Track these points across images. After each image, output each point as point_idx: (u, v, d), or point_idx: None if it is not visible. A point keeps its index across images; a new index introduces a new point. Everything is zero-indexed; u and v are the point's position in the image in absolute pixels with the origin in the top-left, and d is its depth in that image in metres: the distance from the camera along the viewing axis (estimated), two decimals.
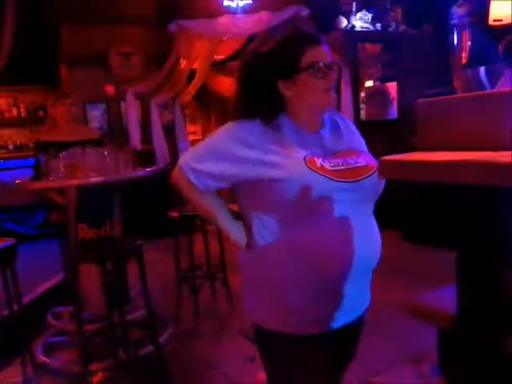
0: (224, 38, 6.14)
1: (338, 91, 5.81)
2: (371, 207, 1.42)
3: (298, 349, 1.38)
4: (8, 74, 4.29)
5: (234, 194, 1.43)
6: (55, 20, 5.88)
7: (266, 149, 1.30)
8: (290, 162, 1.28)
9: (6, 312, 2.89)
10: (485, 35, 5.16)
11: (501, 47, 4.04)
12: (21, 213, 6.37)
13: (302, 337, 1.36)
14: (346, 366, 1.59)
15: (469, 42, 5.64)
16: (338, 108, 5.76)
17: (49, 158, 2.94)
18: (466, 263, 1.47)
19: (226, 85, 7.01)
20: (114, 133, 6.31)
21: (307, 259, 1.31)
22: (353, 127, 1.54)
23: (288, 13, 5.76)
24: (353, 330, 1.49)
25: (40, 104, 7.03)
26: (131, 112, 5.95)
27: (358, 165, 1.36)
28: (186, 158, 1.39)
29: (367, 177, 1.35)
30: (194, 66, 6.17)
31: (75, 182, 2.87)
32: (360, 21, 6.11)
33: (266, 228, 1.34)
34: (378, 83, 6.10)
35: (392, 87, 5.73)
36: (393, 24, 6.21)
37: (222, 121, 7.87)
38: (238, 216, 1.46)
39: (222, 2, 5.91)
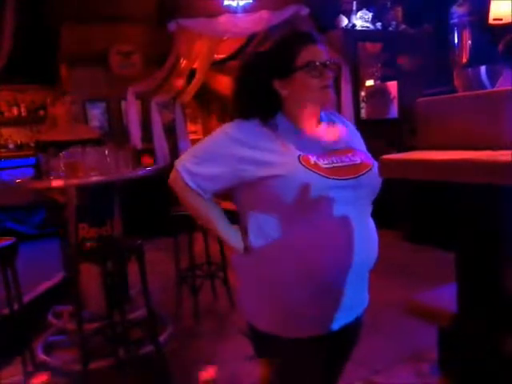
0: (224, 38, 6.14)
1: (339, 90, 5.81)
2: (369, 207, 1.42)
3: (297, 351, 1.37)
4: (8, 74, 4.29)
5: (231, 193, 1.42)
6: (55, 19, 5.88)
7: (263, 148, 1.31)
8: (284, 160, 1.28)
9: (6, 311, 2.89)
10: (485, 34, 5.16)
11: (501, 46, 4.04)
12: (21, 212, 6.37)
13: (301, 339, 1.36)
14: (343, 366, 1.59)
15: (469, 41, 5.63)
16: (339, 107, 5.76)
17: (49, 157, 2.94)
18: (465, 262, 1.47)
19: (227, 84, 7.01)
20: (115, 132, 6.31)
21: (303, 259, 1.30)
22: (351, 126, 1.54)
23: (288, 12, 5.76)
24: (351, 331, 1.48)
25: (40, 103, 7.02)
26: (131, 111, 5.95)
27: (353, 163, 1.36)
28: (182, 161, 1.38)
29: (362, 175, 1.34)
30: (195, 66, 6.17)
31: (76, 181, 2.87)
32: (360, 20, 6.11)
33: (262, 228, 1.34)
34: (378, 82, 6.10)
35: (392, 86, 5.73)
36: (393, 23, 6.21)
37: (222, 120, 7.89)
38: (234, 215, 1.46)
39: (223, 2, 5.91)
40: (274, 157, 1.29)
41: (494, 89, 3.67)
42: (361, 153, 1.41)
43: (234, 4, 5.90)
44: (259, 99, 1.37)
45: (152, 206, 5.44)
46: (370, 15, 6.14)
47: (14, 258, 2.86)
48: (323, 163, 1.30)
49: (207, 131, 8.25)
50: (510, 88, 1.17)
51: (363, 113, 6.15)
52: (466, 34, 5.62)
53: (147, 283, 2.75)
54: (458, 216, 1.43)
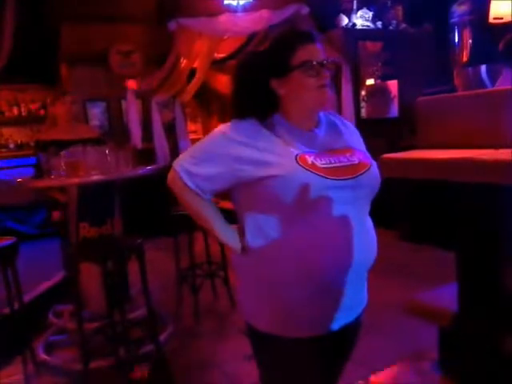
0: (224, 37, 6.14)
1: (339, 89, 5.81)
2: (367, 206, 1.42)
3: (296, 351, 1.37)
4: (8, 73, 4.29)
5: (229, 192, 1.42)
6: (55, 19, 5.88)
7: (260, 148, 1.31)
8: (281, 160, 1.28)
9: (7, 310, 2.89)
10: (485, 33, 5.15)
11: (501, 45, 4.03)
12: (22, 212, 6.38)
13: (301, 339, 1.36)
14: (342, 366, 1.59)
15: (469, 41, 5.63)
16: (339, 106, 5.76)
17: (49, 156, 2.94)
18: (466, 262, 1.47)
19: (227, 83, 7.01)
20: (115, 131, 6.31)
21: (302, 259, 1.30)
22: (350, 126, 1.53)
23: (288, 11, 5.76)
24: (351, 331, 1.48)
25: (40, 103, 7.03)
26: (132, 110, 5.95)
27: (351, 163, 1.35)
28: (180, 161, 1.38)
29: (360, 175, 1.34)
30: (195, 65, 6.17)
31: (76, 180, 2.87)
32: (361, 19, 6.11)
33: (260, 228, 1.34)
34: (378, 81, 6.09)
35: (393, 85, 5.73)
36: (393, 22, 6.21)
37: (222, 119, 7.89)
38: (233, 215, 1.46)
39: (223, 1, 5.91)
40: (271, 157, 1.29)
41: (494, 88, 3.67)
42: (359, 152, 1.41)
43: (235, 3, 5.90)
44: (257, 99, 1.37)
45: (152, 206, 5.44)
46: (370, 14, 6.13)
47: (15, 258, 2.86)
48: (321, 163, 1.30)
49: (207, 131, 8.24)
50: (509, 87, 1.17)
51: (363, 112, 6.14)
52: (467, 33, 5.61)
53: (147, 282, 2.75)
54: (458, 215, 1.43)
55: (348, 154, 1.37)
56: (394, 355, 2.79)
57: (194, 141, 6.29)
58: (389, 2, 6.27)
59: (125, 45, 6.29)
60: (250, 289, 1.42)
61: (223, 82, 7.40)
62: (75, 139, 3.31)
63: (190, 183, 1.35)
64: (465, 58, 5.65)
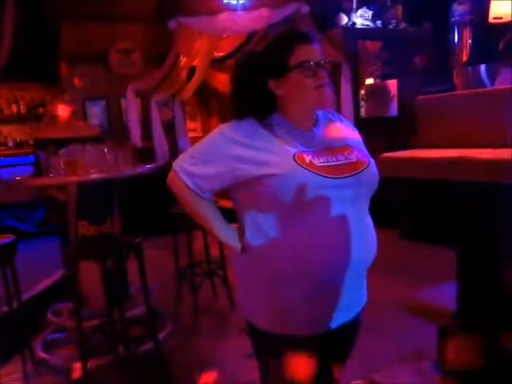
0: (224, 35, 6.14)
1: (338, 88, 5.80)
2: (366, 204, 1.42)
3: (296, 349, 1.37)
4: (8, 72, 4.28)
5: (228, 191, 1.43)
6: (55, 18, 5.87)
7: (259, 148, 1.31)
8: (280, 159, 1.29)
9: (5, 309, 2.89)
10: (485, 33, 5.16)
11: (501, 45, 4.04)
12: (21, 210, 6.38)
13: (300, 337, 1.36)
14: (342, 365, 1.59)
15: (469, 40, 5.63)
16: (338, 105, 5.75)
17: (49, 154, 2.94)
18: (465, 261, 1.47)
19: (226, 82, 7.00)
20: (114, 130, 6.31)
21: (301, 257, 1.31)
22: (349, 125, 1.54)
23: (288, 10, 5.75)
24: (350, 329, 1.48)
25: (40, 101, 7.02)
26: (131, 109, 5.95)
27: (349, 161, 1.36)
28: (180, 162, 1.39)
29: (358, 173, 1.34)
30: (194, 63, 6.17)
31: (75, 178, 2.87)
32: (360, 18, 6.10)
33: (259, 227, 1.34)
34: (378, 81, 6.09)
35: (392, 85, 5.72)
36: (393, 21, 6.20)
37: (222, 118, 7.89)
38: (232, 214, 1.46)
39: None
40: (269, 156, 1.30)
41: (493, 87, 3.67)
42: (357, 151, 1.41)
43: (234, 2, 5.89)
44: (255, 99, 1.38)
45: (151, 204, 5.44)
46: (370, 13, 6.13)
47: (14, 256, 2.86)
48: (318, 162, 1.31)
49: (206, 129, 8.25)
50: (508, 87, 1.18)
51: (363, 111, 6.14)
52: (466, 32, 5.62)
53: (147, 281, 2.75)
54: (458, 214, 1.43)
55: (346, 153, 1.38)
56: (394, 354, 2.79)
57: (193, 139, 6.30)
58: (388, 1, 6.26)
59: (125, 44, 6.28)
60: (250, 287, 1.42)
61: (222, 81, 7.40)
62: (74, 137, 3.31)
63: (189, 183, 1.36)
64: (464, 58, 5.66)
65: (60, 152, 2.90)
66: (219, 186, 1.38)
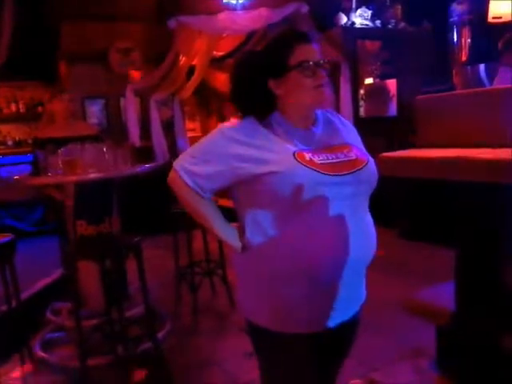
0: (224, 35, 6.13)
1: (337, 88, 5.80)
2: (365, 202, 1.42)
3: (295, 347, 1.38)
4: (7, 70, 4.28)
5: (228, 190, 1.43)
6: (55, 17, 5.87)
7: (259, 146, 1.32)
8: (280, 157, 1.30)
9: (4, 308, 2.89)
10: (484, 32, 5.16)
11: (500, 45, 4.04)
12: (20, 209, 6.38)
13: (300, 335, 1.37)
14: (340, 363, 1.60)
15: (468, 40, 5.63)
16: (337, 105, 5.75)
17: (47, 154, 2.93)
18: (464, 260, 1.47)
19: (226, 82, 6.99)
20: (113, 129, 6.31)
21: (301, 255, 1.31)
22: (348, 124, 1.54)
23: (288, 9, 5.75)
24: (349, 328, 1.48)
25: (39, 100, 7.02)
26: (130, 108, 5.94)
27: (349, 159, 1.36)
28: (180, 161, 1.40)
29: (357, 170, 1.35)
30: (194, 63, 6.16)
31: (74, 178, 2.86)
32: (360, 18, 6.10)
33: (260, 225, 1.35)
34: (377, 80, 6.09)
35: (391, 84, 5.73)
36: (392, 21, 6.20)
37: (220, 117, 7.89)
38: (231, 213, 1.46)
39: None
40: (270, 154, 1.30)
41: (492, 86, 3.68)
42: (356, 149, 1.42)
43: (234, 1, 5.89)
44: (255, 98, 1.39)
45: (151, 203, 5.44)
46: (369, 13, 6.12)
47: (12, 255, 2.86)
48: (318, 159, 1.31)
49: (205, 129, 8.24)
50: (508, 86, 1.17)
51: (362, 111, 6.14)
52: (466, 32, 5.62)
53: (146, 280, 2.75)
54: (457, 214, 1.43)
55: (345, 151, 1.39)
56: (393, 353, 2.79)
57: (192, 139, 6.29)
58: (388, 1, 6.26)
59: (124, 43, 6.28)
60: (250, 286, 1.43)
61: (222, 81, 7.39)
62: (73, 136, 3.31)
63: (189, 182, 1.36)
64: (463, 57, 5.66)
65: (58, 151, 2.89)
66: (220, 185, 1.38)
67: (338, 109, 5.71)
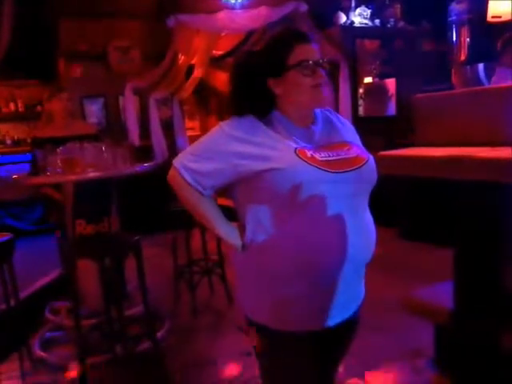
0: (223, 34, 6.12)
1: (337, 87, 5.80)
2: (366, 200, 1.43)
3: (295, 345, 1.38)
4: (6, 69, 4.28)
5: (228, 189, 1.43)
6: (53, 15, 5.86)
7: (259, 143, 1.32)
8: (281, 153, 1.30)
9: (3, 307, 2.89)
10: (483, 32, 5.16)
11: (499, 44, 4.04)
12: (19, 208, 6.37)
13: (299, 333, 1.37)
14: (339, 361, 1.60)
15: (468, 39, 5.63)
16: (337, 104, 5.75)
17: (46, 153, 2.93)
18: (463, 260, 1.47)
19: (225, 81, 6.98)
20: (112, 128, 6.30)
21: (301, 253, 1.31)
22: (347, 123, 1.55)
23: (287, 8, 5.74)
24: (348, 326, 1.48)
25: (38, 99, 7.00)
26: (129, 107, 5.93)
27: (349, 156, 1.37)
28: (180, 159, 1.39)
29: (358, 168, 1.35)
30: (193, 62, 6.16)
31: (73, 177, 2.86)
32: (359, 17, 6.10)
33: (260, 222, 1.35)
34: (376, 79, 6.09)
35: (391, 83, 5.72)
36: (392, 20, 6.20)
37: (220, 116, 7.88)
38: (230, 212, 1.46)
39: None
40: (271, 151, 1.30)
41: (491, 86, 3.68)
42: (356, 147, 1.43)
43: (233, 0, 5.88)
44: (254, 98, 1.39)
45: (149, 202, 5.44)
46: (368, 12, 6.12)
47: (11, 254, 2.85)
48: (320, 156, 1.32)
49: (205, 128, 8.23)
50: (508, 85, 1.17)
51: (361, 110, 6.14)
52: (465, 31, 5.62)
53: (145, 279, 2.75)
54: (457, 213, 1.43)
55: (345, 149, 1.39)
56: (392, 353, 2.80)
57: (191, 138, 6.29)
58: (387, 0, 6.26)
59: (123, 41, 6.27)
60: (250, 284, 1.43)
61: (221, 80, 7.39)
62: (72, 135, 3.30)
63: (189, 179, 1.36)
64: (463, 57, 5.66)
65: (57, 150, 2.89)
66: (220, 182, 1.38)
67: (337, 108, 5.70)
